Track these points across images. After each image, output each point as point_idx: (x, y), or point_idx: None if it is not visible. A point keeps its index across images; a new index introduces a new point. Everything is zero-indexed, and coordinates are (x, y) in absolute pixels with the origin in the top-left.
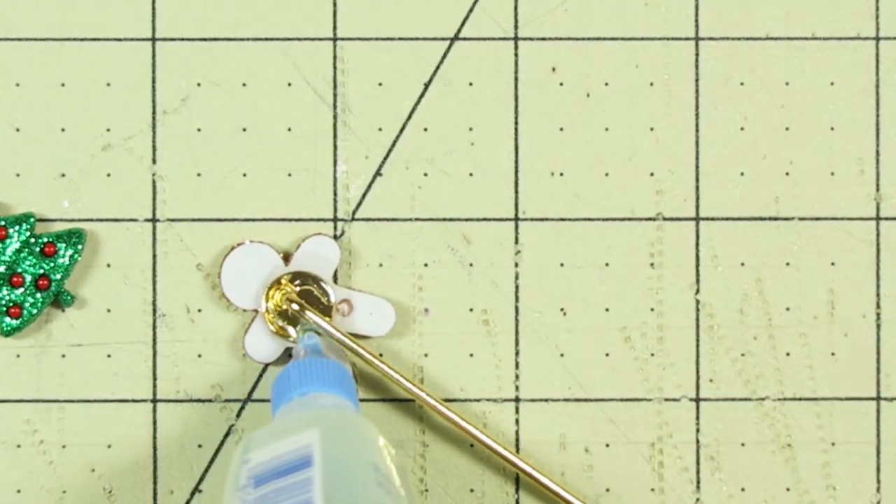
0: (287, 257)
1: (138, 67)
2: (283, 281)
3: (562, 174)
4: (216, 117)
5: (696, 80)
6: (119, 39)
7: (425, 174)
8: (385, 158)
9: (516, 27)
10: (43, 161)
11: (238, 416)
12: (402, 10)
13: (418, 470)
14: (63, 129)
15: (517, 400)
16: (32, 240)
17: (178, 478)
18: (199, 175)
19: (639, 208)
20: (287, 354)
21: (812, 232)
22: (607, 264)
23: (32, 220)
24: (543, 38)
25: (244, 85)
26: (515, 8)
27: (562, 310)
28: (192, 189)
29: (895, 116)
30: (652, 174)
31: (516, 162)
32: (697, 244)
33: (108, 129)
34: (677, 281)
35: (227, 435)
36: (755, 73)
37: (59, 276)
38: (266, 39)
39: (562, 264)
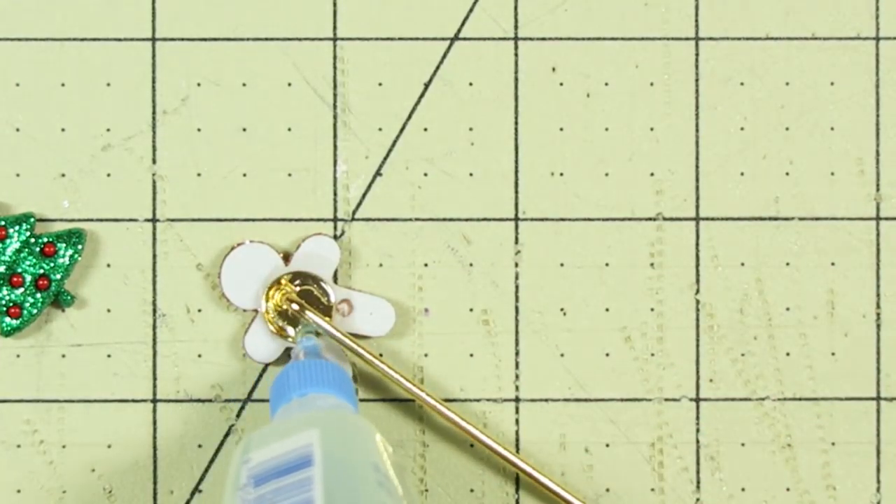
0: (287, 257)
1: (138, 67)
2: (283, 281)
3: (562, 174)
4: (216, 117)
5: (696, 80)
6: (119, 39)
7: (425, 174)
8: (385, 158)
9: (516, 27)
10: (43, 161)
11: (238, 416)
12: (402, 10)
13: (418, 470)
14: (63, 129)
15: (517, 400)
16: (32, 240)
17: (178, 478)
18: (199, 175)
19: (639, 208)
20: (287, 354)
21: (812, 232)
22: (607, 264)
23: (32, 220)
24: (543, 38)
25: (244, 85)
26: (515, 8)
27: (562, 310)
28: (192, 189)
29: (895, 116)
30: (652, 174)
31: (516, 162)
32: (697, 244)
33: (108, 129)
34: (677, 281)
35: (227, 435)
36: (755, 73)
37: (59, 276)
38: (266, 39)
39: (562, 264)
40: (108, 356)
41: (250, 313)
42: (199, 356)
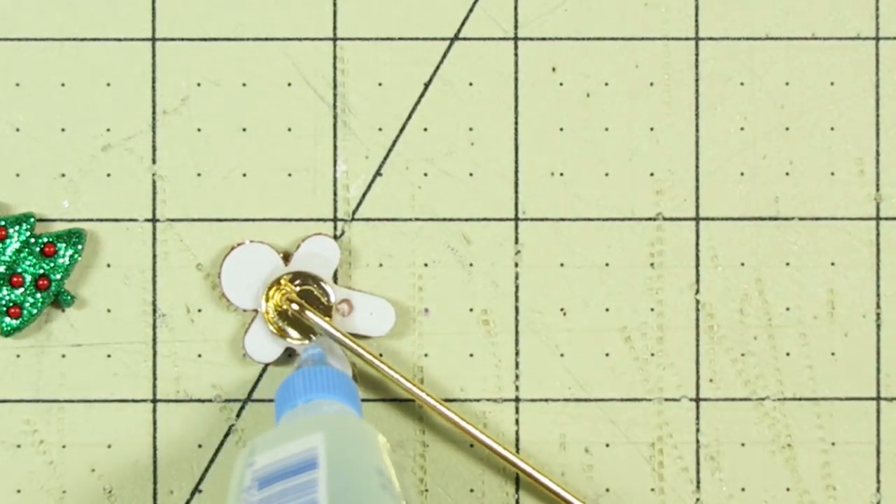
0: (287, 257)
1: (138, 67)
2: (283, 281)
3: (562, 174)
4: (216, 117)
5: (696, 80)
6: (119, 39)
7: (425, 174)
8: (385, 158)
9: (516, 27)
10: (43, 161)
11: (238, 416)
12: (402, 10)
13: (418, 470)
14: (63, 129)
15: (517, 400)
16: (32, 240)
17: (178, 478)
18: (199, 175)
19: (639, 208)
20: (287, 355)
21: (812, 232)
22: (607, 264)
23: (32, 220)
24: (543, 38)
25: (244, 85)
26: (515, 8)
27: (562, 310)
28: (192, 189)
29: (895, 116)
30: (652, 174)
31: (516, 162)
32: (697, 244)
33: (108, 129)
34: (677, 281)
35: (227, 435)
36: (755, 73)
37: (59, 276)
38: (266, 39)
39: (562, 264)
40: (108, 356)
41: (250, 313)
42: (199, 356)
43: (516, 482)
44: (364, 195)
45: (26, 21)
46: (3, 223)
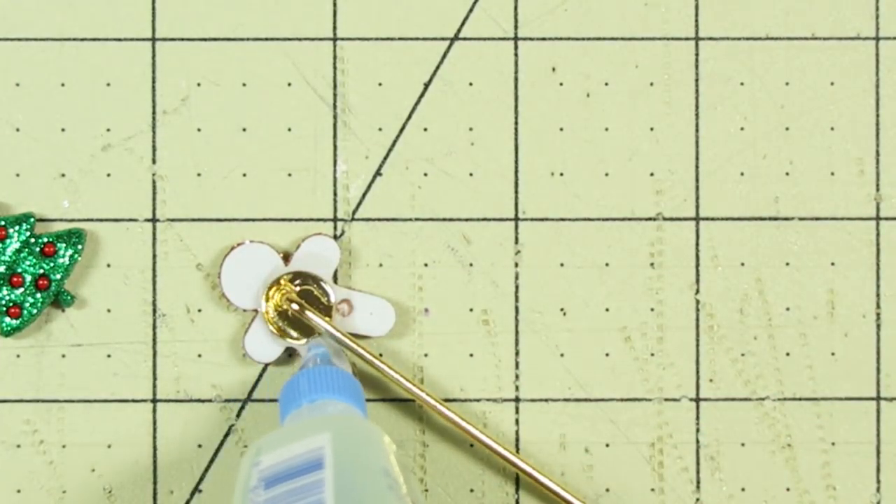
0: (287, 257)
1: (138, 67)
2: (283, 281)
3: (562, 174)
4: (216, 117)
5: (696, 80)
6: (119, 39)
7: (425, 174)
8: (385, 158)
9: (516, 27)
10: (43, 161)
11: (238, 416)
12: (402, 10)
13: (418, 470)
14: (63, 129)
15: (517, 400)
16: (32, 240)
17: (178, 478)
18: (199, 175)
19: (639, 208)
20: (287, 355)
21: (812, 232)
22: (607, 264)
23: (32, 220)
24: (543, 38)
25: (244, 85)
26: (515, 8)
27: (562, 310)
28: (192, 189)
29: (895, 116)
30: (652, 174)
31: (516, 162)
32: (697, 244)
33: (108, 129)
34: (677, 281)
35: (227, 435)
36: (755, 73)
37: (59, 276)
38: (266, 39)
39: (562, 264)
40: (108, 356)
41: (250, 313)
42: (199, 356)
43: (516, 482)
44: (364, 195)
45: (26, 21)
46: (3, 223)
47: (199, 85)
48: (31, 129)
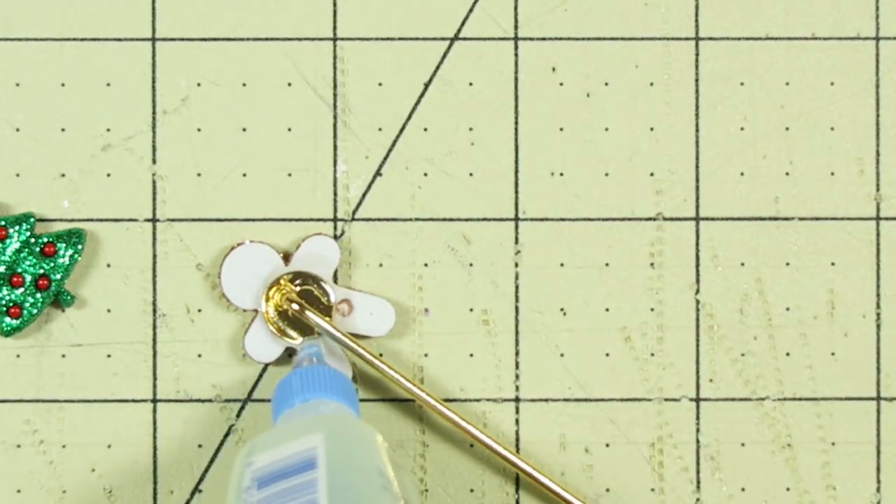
0: (287, 257)
1: (138, 67)
2: (283, 281)
3: (562, 174)
4: (216, 117)
5: (696, 80)
6: (119, 39)
7: (425, 174)
8: (385, 158)
9: (516, 27)
10: (43, 161)
11: (238, 416)
12: (402, 10)
13: (418, 470)
14: (63, 129)
15: (517, 400)
16: (32, 240)
17: (178, 478)
18: (199, 175)
19: (639, 208)
20: (287, 355)
21: (812, 232)
22: (607, 264)
23: (32, 220)
24: (543, 38)
25: (244, 85)
26: (515, 8)
27: (562, 310)
28: (192, 189)
29: (895, 116)
30: (652, 174)
31: (516, 162)
32: (697, 244)
33: (108, 129)
34: (677, 281)
35: (227, 435)
36: (755, 73)
37: (59, 276)
38: (266, 39)
39: (562, 264)
40: (108, 356)
41: (250, 313)
42: (199, 356)
43: (516, 482)
44: (364, 195)
45: (26, 21)
46: (3, 223)
47: (199, 85)
48: (31, 129)
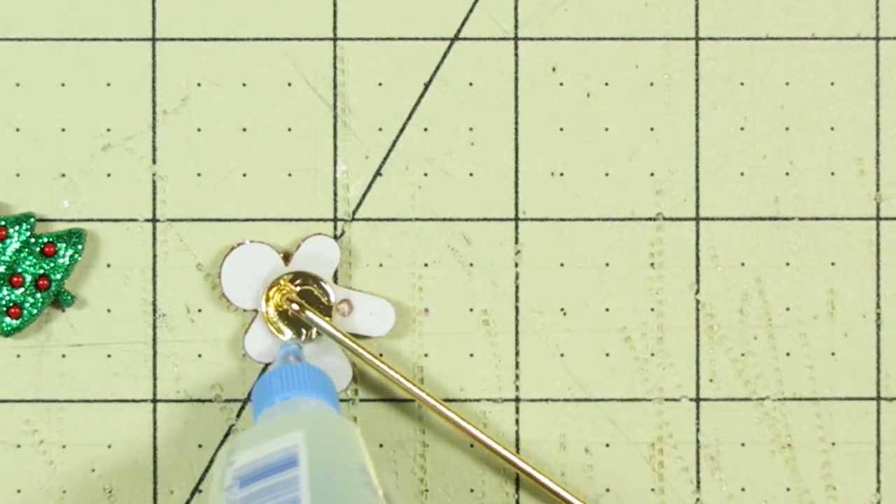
0: (287, 257)
1: (138, 67)
2: (283, 281)
3: (562, 174)
4: (216, 117)
5: (696, 80)
6: (119, 39)
7: (425, 174)
8: (385, 158)
9: (516, 27)
10: (43, 161)
11: (238, 416)
12: (402, 10)
13: (418, 470)
14: (63, 129)
15: (517, 400)
16: (32, 240)
17: (178, 478)
18: (199, 175)
19: (639, 208)
20: None
21: (812, 232)
22: (607, 264)
23: (32, 220)
24: (543, 38)
25: (244, 85)
26: (515, 8)
27: (562, 310)
28: (192, 189)
29: (895, 116)
30: (652, 174)
31: (516, 162)
32: (697, 244)
33: (108, 129)
34: (677, 281)
35: (227, 435)
36: (755, 73)
37: (59, 276)
38: (266, 39)
39: (562, 264)
40: (108, 356)
41: (250, 313)
42: (199, 356)
43: (516, 482)
44: (364, 195)
45: (26, 21)
46: (3, 223)
47: (199, 85)
48: (31, 129)
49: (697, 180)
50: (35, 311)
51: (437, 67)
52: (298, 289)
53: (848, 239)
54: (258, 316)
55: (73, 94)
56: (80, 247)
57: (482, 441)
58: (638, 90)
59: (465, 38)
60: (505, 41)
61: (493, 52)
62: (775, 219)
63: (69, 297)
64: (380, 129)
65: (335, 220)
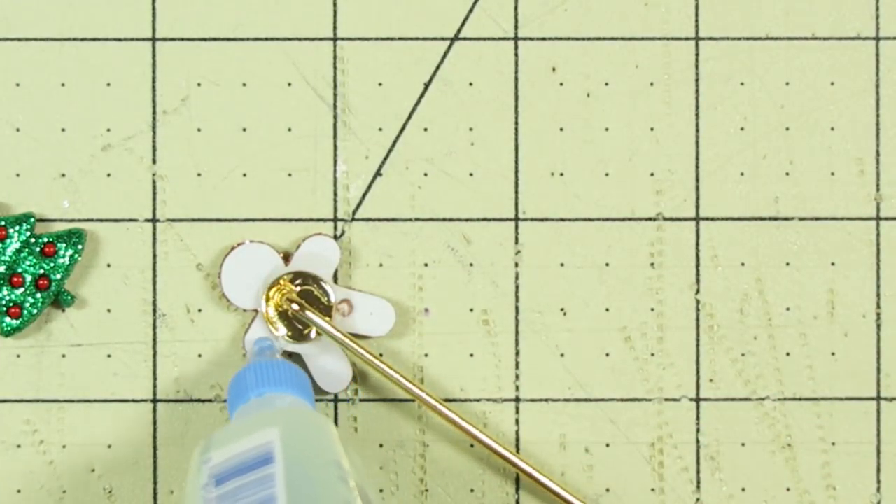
0: (287, 257)
1: (138, 67)
2: (283, 281)
3: (562, 174)
4: (216, 117)
5: (696, 80)
6: (119, 39)
7: (425, 174)
8: (385, 158)
9: (516, 27)
10: (43, 161)
11: None
12: (402, 10)
13: (418, 470)
14: (63, 129)
15: (517, 400)
16: (32, 240)
17: (178, 478)
18: (199, 175)
19: (639, 208)
20: (287, 355)
21: (812, 232)
22: (607, 264)
23: (32, 220)
24: (543, 38)
25: (244, 85)
26: (515, 8)
27: (562, 310)
28: (192, 189)
29: (895, 116)
30: (652, 174)
31: (516, 162)
32: (697, 244)
33: (108, 129)
34: (677, 281)
35: None
36: (755, 73)
37: (59, 276)
38: (266, 39)
39: (562, 264)
40: (108, 356)
41: (250, 313)
42: (199, 356)
43: (516, 482)
44: (364, 195)
45: (26, 21)
46: (3, 223)
47: (199, 85)
48: (31, 129)
49: (697, 180)
50: (35, 311)
51: (437, 67)
52: (298, 289)
53: (848, 239)
54: (258, 316)
55: (73, 94)
56: (80, 247)
57: (482, 441)
58: (638, 90)
59: (465, 38)
60: (505, 41)
61: (493, 52)
62: (775, 219)
63: (69, 297)
64: (380, 129)
65: (335, 220)
